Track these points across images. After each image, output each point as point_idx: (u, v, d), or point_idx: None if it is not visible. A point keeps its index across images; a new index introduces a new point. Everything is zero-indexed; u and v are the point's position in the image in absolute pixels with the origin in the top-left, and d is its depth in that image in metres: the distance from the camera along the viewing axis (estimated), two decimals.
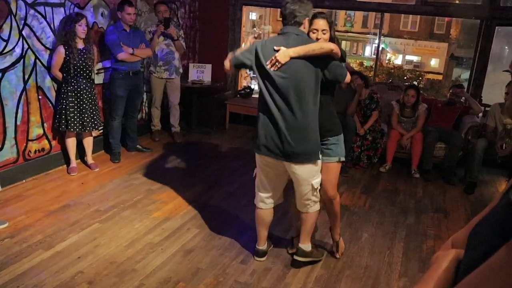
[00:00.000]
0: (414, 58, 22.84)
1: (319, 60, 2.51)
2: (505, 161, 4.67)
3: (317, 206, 2.82)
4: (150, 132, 5.59)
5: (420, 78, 19.97)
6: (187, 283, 2.69)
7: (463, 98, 5.10)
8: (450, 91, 5.23)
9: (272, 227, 3.06)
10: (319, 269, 2.93)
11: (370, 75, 8.41)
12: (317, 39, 2.62)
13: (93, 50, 4.16)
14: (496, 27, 5.23)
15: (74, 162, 4.29)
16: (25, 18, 3.77)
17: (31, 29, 3.84)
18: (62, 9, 4.13)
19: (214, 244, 3.15)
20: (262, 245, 2.99)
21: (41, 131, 4.13)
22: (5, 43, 3.62)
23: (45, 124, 4.15)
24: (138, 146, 5.04)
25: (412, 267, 3.04)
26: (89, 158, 4.42)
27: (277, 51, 2.47)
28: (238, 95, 6.46)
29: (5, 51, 3.63)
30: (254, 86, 6.64)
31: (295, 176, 2.67)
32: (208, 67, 5.98)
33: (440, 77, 20.82)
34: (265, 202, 2.87)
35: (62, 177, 4.16)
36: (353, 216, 3.78)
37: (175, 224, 3.40)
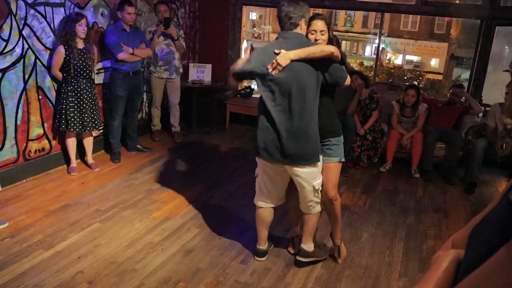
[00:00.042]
0: (414, 58, 22.84)
1: (320, 63, 2.50)
2: (505, 161, 4.67)
3: (319, 207, 2.83)
4: (150, 132, 5.59)
5: (420, 78, 19.96)
6: (187, 283, 2.69)
7: (463, 98, 5.10)
8: (450, 91, 5.22)
9: (272, 227, 3.06)
10: (319, 269, 2.93)
11: (370, 75, 8.39)
12: (316, 40, 2.63)
13: (93, 50, 4.16)
14: (496, 27, 5.22)
15: (74, 162, 4.29)
16: (25, 18, 3.77)
17: (31, 29, 3.85)
18: (62, 9, 4.13)
19: (214, 244, 3.15)
20: (263, 245, 2.99)
21: (41, 131, 4.13)
22: (5, 43, 3.62)
23: (45, 124, 4.15)
24: (138, 146, 5.04)
25: (412, 267, 3.04)
26: (89, 158, 4.43)
27: (278, 54, 2.46)
28: (238, 95, 6.45)
29: (5, 51, 3.63)
30: (254, 86, 6.63)
31: (297, 178, 2.67)
32: (208, 67, 5.98)
33: (440, 77, 20.82)
34: (266, 202, 2.88)
35: (62, 177, 4.17)
36: (353, 216, 3.78)
37: (175, 224, 3.40)
